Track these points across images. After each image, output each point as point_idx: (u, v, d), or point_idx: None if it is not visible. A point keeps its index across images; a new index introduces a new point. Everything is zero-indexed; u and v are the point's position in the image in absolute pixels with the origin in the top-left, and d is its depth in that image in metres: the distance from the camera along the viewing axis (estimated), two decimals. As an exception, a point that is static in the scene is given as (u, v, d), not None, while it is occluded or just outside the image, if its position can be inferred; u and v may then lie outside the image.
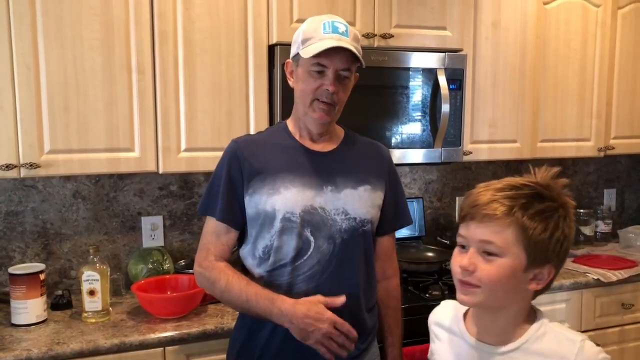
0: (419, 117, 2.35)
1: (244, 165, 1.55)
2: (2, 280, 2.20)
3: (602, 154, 2.86)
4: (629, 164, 3.41)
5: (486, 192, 1.10)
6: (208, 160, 2.11)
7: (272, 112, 2.17)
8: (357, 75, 1.60)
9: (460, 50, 2.42)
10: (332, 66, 1.48)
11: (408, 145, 2.35)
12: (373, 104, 2.27)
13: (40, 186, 2.25)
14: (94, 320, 1.95)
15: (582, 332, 1.37)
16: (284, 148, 1.58)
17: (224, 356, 1.79)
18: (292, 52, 1.57)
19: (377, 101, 2.28)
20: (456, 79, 2.38)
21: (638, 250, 2.90)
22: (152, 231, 2.41)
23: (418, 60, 2.31)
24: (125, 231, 2.38)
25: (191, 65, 2.07)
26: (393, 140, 2.32)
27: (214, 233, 1.58)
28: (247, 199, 1.55)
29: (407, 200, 1.80)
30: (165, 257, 2.33)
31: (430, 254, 2.62)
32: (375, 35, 2.26)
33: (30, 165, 1.91)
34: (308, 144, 1.60)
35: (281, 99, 2.11)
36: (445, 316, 1.27)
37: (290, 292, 1.50)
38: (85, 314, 1.96)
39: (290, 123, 1.64)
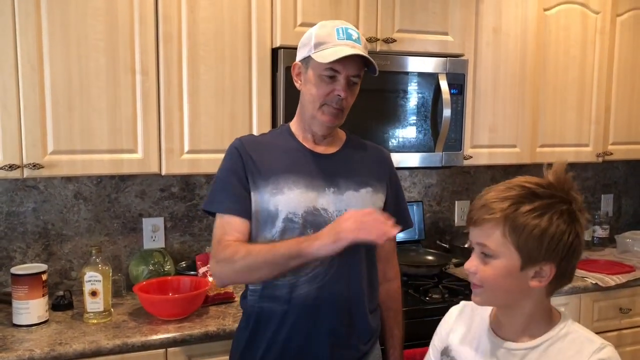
0: (420, 121, 2.37)
1: (247, 162, 1.55)
2: (2, 280, 2.20)
3: (600, 159, 2.89)
4: (626, 169, 3.43)
5: (484, 195, 1.13)
6: (210, 162, 2.11)
7: (274, 115, 2.18)
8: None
9: (462, 55, 2.44)
10: (345, 72, 1.49)
11: (409, 148, 2.37)
12: (375, 107, 2.29)
13: (41, 187, 2.25)
14: (95, 321, 1.95)
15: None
16: (287, 150, 1.59)
17: (226, 357, 1.80)
18: (302, 54, 1.56)
19: (379, 105, 2.30)
20: (457, 84, 2.39)
21: (635, 255, 2.92)
22: (153, 233, 2.41)
23: (420, 65, 2.32)
24: (126, 232, 2.38)
25: (195, 67, 2.08)
26: (394, 144, 2.33)
27: (224, 226, 1.53)
28: (251, 194, 1.54)
29: (407, 204, 1.81)
30: (166, 259, 2.33)
31: (430, 258, 2.63)
32: (378, 39, 2.27)
33: (34, 166, 1.91)
34: (311, 145, 1.61)
35: (284, 102, 2.12)
36: (470, 313, 1.29)
37: (293, 292, 1.51)
38: (87, 315, 1.96)
39: (293, 125, 1.64)
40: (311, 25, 1.60)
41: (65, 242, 2.29)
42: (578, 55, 2.76)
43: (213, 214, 1.57)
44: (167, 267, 2.31)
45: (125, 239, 2.38)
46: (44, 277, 1.96)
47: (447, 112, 2.34)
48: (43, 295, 1.95)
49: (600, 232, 3.14)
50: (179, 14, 2.04)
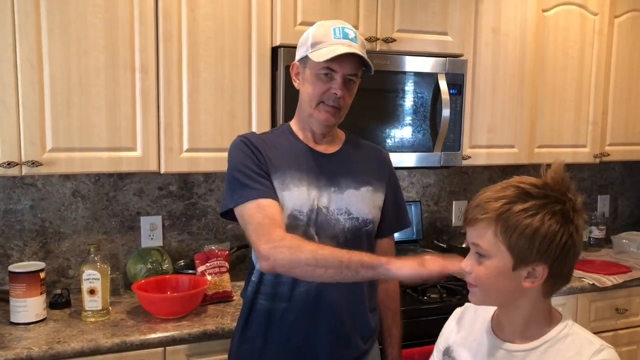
0: (419, 121, 2.37)
1: (257, 153, 1.53)
2: (-1, 278, 2.19)
3: (597, 160, 2.90)
4: (622, 170, 3.45)
5: (479, 195, 1.13)
6: (210, 160, 2.12)
7: (274, 114, 2.18)
8: (359, 80, 1.62)
9: (461, 55, 2.44)
10: (341, 71, 1.50)
11: (408, 148, 2.37)
12: (374, 107, 2.29)
13: (39, 184, 2.24)
14: (93, 320, 1.95)
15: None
16: (289, 148, 1.59)
17: (224, 356, 1.80)
18: (300, 54, 1.58)
19: (378, 104, 2.30)
20: (456, 84, 2.40)
21: (631, 256, 2.94)
22: (151, 231, 2.41)
23: (419, 65, 2.33)
24: (124, 231, 2.37)
25: (195, 65, 2.07)
26: (393, 143, 2.33)
27: (263, 210, 1.44)
28: None
29: (406, 203, 1.82)
30: (164, 257, 2.32)
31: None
32: (378, 39, 2.27)
33: (32, 163, 1.90)
34: (312, 145, 1.61)
35: (284, 100, 2.12)
36: (471, 314, 1.29)
37: (294, 290, 1.51)
38: (85, 313, 1.96)
39: (294, 125, 1.65)
40: (311, 24, 1.60)
41: (63, 240, 2.28)
42: (576, 56, 2.77)
43: (230, 216, 1.52)
44: (165, 265, 2.30)
45: (123, 237, 2.37)
46: (42, 275, 1.95)
47: (446, 112, 2.34)
48: (41, 294, 1.94)
49: (597, 232, 3.15)
50: (179, 12, 2.04)
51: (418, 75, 2.33)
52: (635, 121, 2.99)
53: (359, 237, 1.57)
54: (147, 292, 2.03)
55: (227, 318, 1.99)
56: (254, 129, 2.16)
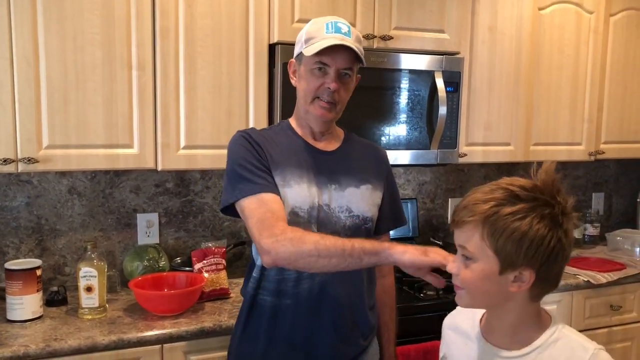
0: (416, 119, 2.38)
1: (257, 148, 1.52)
2: (-5, 275, 2.18)
3: (592, 158, 2.91)
4: (617, 168, 3.47)
5: (467, 197, 1.11)
6: (207, 157, 2.11)
7: (271, 111, 2.18)
8: (359, 77, 1.62)
9: (458, 53, 2.45)
10: (334, 65, 1.50)
11: (404, 146, 2.38)
12: (371, 104, 2.29)
13: (35, 181, 2.23)
14: (90, 317, 1.94)
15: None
16: (289, 145, 1.59)
17: (222, 354, 1.81)
18: (296, 51, 1.59)
19: (375, 102, 2.30)
20: (453, 82, 2.40)
21: (625, 253, 2.96)
22: (148, 228, 2.40)
23: (416, 62, 2.33)
24: (120, 228, 2.37)
25: (192, 62, 2.07)
26: (390, 141, 2.33)
27: (265, 205, 1.43)
28: None
29: (401, 201, 1.83)
30: (160, 255, 2.32)
31: (424, 255, 2.64)
32: (375, 36, 2.27)
33: (28, 160, 1.89)
34: (311, 142, 1.61)
35: (281, 98, 2.11)
36: (461, 320, 1.28)
37: (296, 287, 1.52)
38: (82, 311, 1.95)
39: (293, 122, 1.65)
40: (309, 21, 1.60)
41: (59, 238, 2.27)
42: (572, 54, 2.78)
43: (230, 212, 1.51)
44: (162, 263, 2.30)
45: (120, 234, 2.37)
46: (39, 272, 1.95)
47: (442, 110, 2.35)
48: (37, 291, 1.94)
49: (591, 230, 3.17)
50: (176, 9, 2.03)
51: (415, 72, 2.34)
52: (630, 119, 3.01)
53: (358, 235, 1.56)
54: (144, 289, 2.03)
55: (224, 315, 1.99)
56: (251, 126, 2.14)
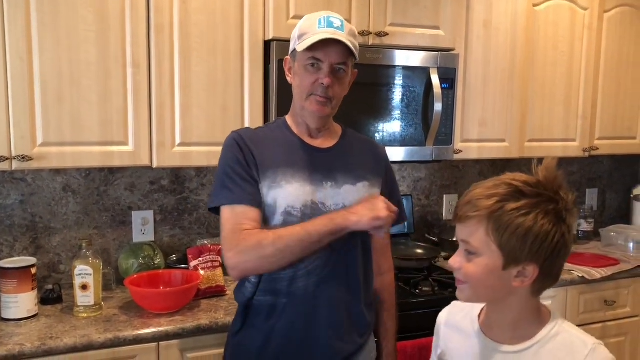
0: (412, 115, 2.38)
1: (247, 154, 1.53)
2: (-11, 274, 2.17)
3: (586, 154, 2.93)
4: (610, 164, 3.49)
5: (471, 191, 1.12)
6: (202, 155, 2.11)
7: (267, 108, 2.18)
8: (356, 72, 1.62)
9: (453, 49, 2.45)
10: (327, 60, 1.50)
11: (400, 142, 2.38)
12: (367, 101, 2.29)
13: (29, 179, 2.21)
14: (85, 315, 1.94)
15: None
16: (284, 143, 1.59)
17: (218, 351, 1.80)
18: (290, 48, 1.59)
19: (370, 99, 2.30)
20: (448, 78, 2.40)
21: (619, 248, 2.97)
22: (143, 226, 2.39)
23: (411, 59, 2.33)
24: (115, 226, 2.36)
25: (187, 59, 2.06)
26: (385, 138, 2.34)
27: (237, 217, 1.48)
28: None
29: (402, 197, 1.82)
30: (156, 252, 2.31)
31: (419, 251, 2.65)
32: (370, 33, 2.27)
33: (22, 158, 1.88)
34: (307, 140, 1.61)
35: (277, 94, 2.11)
36: (458, 317, 1.28)
37: (291, 286, 1.51)
38: (77, 309, 1.94)
39: (289, 119, 1.64)
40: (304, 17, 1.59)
41: (54, 236, 2.26)
42: (566, 51, 2.79)
43: (218, 212, 1.53)
44: (157, 260, 2.29)
45: (115, 232, 2.36)
46: (33, 270, 1.94)
47: (438, 107, 2.35)
48: (32, 289, 1.93)
49: (585, 225, 3.19)
50: (170, 5, 2.02)
51: (410, 69, 2.34)
52: (624, 115, 3.02)
53: (355, 233, 1.56)
54: (140, 287, 2.02)
55: (220, 312, 1.98)
56: (246, 123, 2.15)
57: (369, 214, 1.40)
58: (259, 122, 2.14)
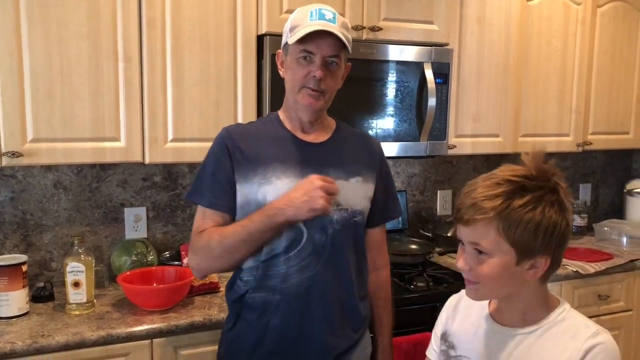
0: (405, 111, 2.37)
1: (234, 153, 1.53)
2: (-20, 272, 2.14)
3: (580, 149, 2.93)
4: (604, 159, 3.49)
5: (470, 193, 1.12)
6: (195, 150, 2.09)
7: (260, 103, 2.16)
8: (349, 65, 1.60)
9: (447, 44, 2.44)
10: (319, 52, 1.48)
11: (394, 138, 2.37)
12: (361, 96, 2.28)
13: (20, 176, 2.19)
14: (78, 313, 1.92)
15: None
16: (275, 138, 1.57)
17: (212, 348, 1.79)
18: (282, 42, 1.57)
19: (364, 94, 2.29)
20: (442, 73, 2.40)
21: (612, 243, 2.98)
22: (136, 222, 2.37)
23: (405, 54, 2.32)
24: (107, 222, 2.34)
25: (179, 54, 2.04)
26: (379, 133, 2.32)
27: (204, 219, 1.56)
28: (237, 187, 1.53)
29: (397, 192, 1.81)
30: (149, 249, 2.30)
31: (414, 246, 2.65)
32: (364, 27, 2.26)
33: (13, 154, 1.86)
34: (300, 135, 1.59)
35: (270, 89, 2.09)
36: (468, 302, 1.29)
37: (284, 283, 1.50)
38: (69, 306, 1.93)
39: (281, 114, 1.63)
40: (297, 12, 1.58)
41: (45, 233, 2.24)
42: (560, 46, 2.79)
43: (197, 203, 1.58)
44: (150, 257, 2.28)
45: (107, 229, 2.34)
46: (24, 268, 1.92)
47: (432, 102, 2.34)
48: (23, 287, 1.91)
49: (579, 220, 3.20)
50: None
51: (404, 64, 2.33)
52: (617, 110, 3.03)
53: (347, 228, 1.56)
54: (133, 284, 2.01)
55: (214, 309, 1.97)
56: (239, 119, 2.13)
57: (305, 207, 1.39)
58: (252, 117, 2.12)
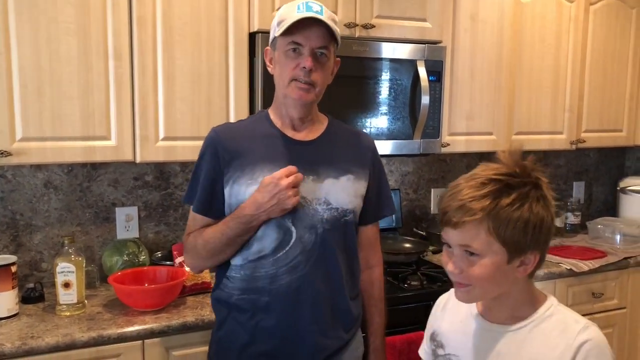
0: (399, 109, 2.36)
1: (222, 155, 1.52)
2: (-31, 273, 2.11)
3: (574, 147, 2.93)
4: (597, 157, 3.50)
5: (455, 195, 1.11)
6: (186, 149, 2.07)
7: (252, 101, 2.14)
8: (339, 61, 1.59)
9: (440, 42, 2.43)
10: (308, 44, 1.47)
11: (387, 136, 2.36)
12: (353, 94, 2.26)
13: (9, 175, 2.16)
14: (68, 314, 1.90)
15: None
16: (264, 137, 1.56)
17: (204, 348, 1.77)
18: (270, 38, 1.56)
19: (357, 92, 2.27)
20: (436, 71, 2.39)
21: (606, 241, 2.98)
22: (127, 222, 2.35)
23: (398, 51, 2.31)
24: (99, 222, 2.31)
25: (170, 51, 2.02)
26: (373, 131, 2.31)
27: (193, 221, 1.60)
28: (226, 189, 1.52)
29: (390, 190, 1.80)
30: (140, 249, 2.27)
31: (407, 245, 2.64)
32: (357, 25, 2.24)
33: (2, 153, 1.83)
34: (290, 132, 1.57)
35: (262, 87, 2.08)
36: (457, 301, 1.27)
37: (273, 284, 1.49)
38: (60, 307, 1.90)
39: (271, 112, 1.61)
40: (289, 9, 1.56)
41: (35, 233, 2.21)
42: (553, 44, 2.78)
43: None
44: (142, 257, 2.26)
45: (98, 229, 2.31)
46: (14, 268, 1.90)
47: (425, 100, 2.33)
48: (13, 288, 1.88)
49: (573, 218, 3.20)
50: (153, -4, 1.98)
51: (397, 62, 2.32)
52: (610, 108, 3.03)
53: (337, 227, 1.54)
54: (124, 284, 1.99)
55: (206, 309, 1.95)
56: (231, 117, 2.12)
57: (277, 209, 1.44)
58: (244, 116, 2.10)
